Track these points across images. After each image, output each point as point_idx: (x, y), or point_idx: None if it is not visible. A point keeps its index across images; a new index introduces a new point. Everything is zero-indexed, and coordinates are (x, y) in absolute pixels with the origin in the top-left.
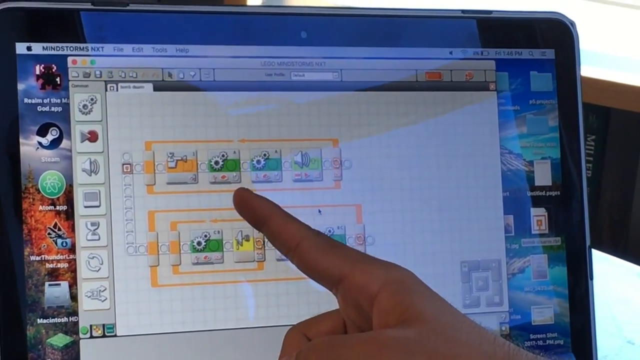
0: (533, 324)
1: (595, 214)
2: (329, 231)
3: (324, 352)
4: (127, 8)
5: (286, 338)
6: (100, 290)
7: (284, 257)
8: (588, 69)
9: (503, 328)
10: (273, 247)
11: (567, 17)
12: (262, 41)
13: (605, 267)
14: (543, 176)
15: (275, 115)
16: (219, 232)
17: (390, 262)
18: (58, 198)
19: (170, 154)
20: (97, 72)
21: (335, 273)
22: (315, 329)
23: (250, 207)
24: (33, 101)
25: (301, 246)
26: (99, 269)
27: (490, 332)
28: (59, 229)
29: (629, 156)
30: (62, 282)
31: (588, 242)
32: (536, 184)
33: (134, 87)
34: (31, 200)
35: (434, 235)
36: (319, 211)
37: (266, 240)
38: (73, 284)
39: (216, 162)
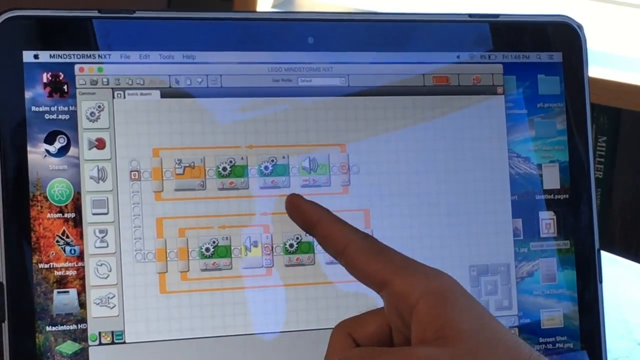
0: (542, 327)
1: (607, 215)
2: None
3: None
4: (134, 15)
5: (333, 337)
6: (108, 297)
7: (292, 263)
8: (599, 70)
9: (512, 332)
10: (281, 254)
11: (574, 20)
12: (269, 47)
13: (616, 269)
14: (552, 179)
15: (282, 120)
16: (227, 238)
17: (434, 268)
18: (66, 205)
19: (178, 160)
20: (105, 80)
21: (378, 279)
22: (361, 330)
23: (301, 211)
24: (40, 109)
25: (348, 250)
26: (108, 276)
27: (527, 349)
28: (67, 237)
29: None
30: (70, 290)
31: (597, 245)
32: (545, 187)
33: (141, 94)
34: (39, 208)
35: (442, 240)
36: None
37: (274, 246)
38: (82, 291)
39: (224, 169)
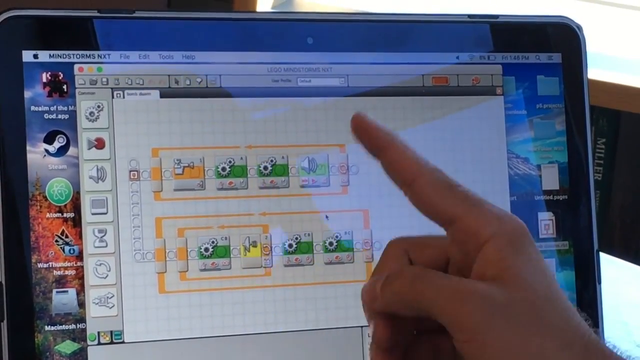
0: None
1: (606, 217)
2: (336, 236)
3: (409, 284)
4: (134, 15)
5: (388, 248)
6: (107, 297)
7: (290, 263)
8: (598, 72)
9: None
10: (280, 254)
11: (573, 21)
12: (269, 47)
13: (616, 271)
14: (550, 180)
15: (282, 121)
16: (226, 238)
17: (508, 212)
18: (65, 205)
19: (177, 160)
20: (104, 80)
21: (449, 214)
22: (420, 252)
23: (370, 133)
24: (40, 109)
25: (418, 182)
26: (107, 276)
27: (577, 317)
28: (67, 236)
29: (639, 159)
30: (69, 289)
31: (596, 246)
32: (544, 188)
33: (141, 94)
34: (38, 207)
35: None
36: (326, 217)
37: (273, 246)
38: (81, 291)
39: (223, 169)
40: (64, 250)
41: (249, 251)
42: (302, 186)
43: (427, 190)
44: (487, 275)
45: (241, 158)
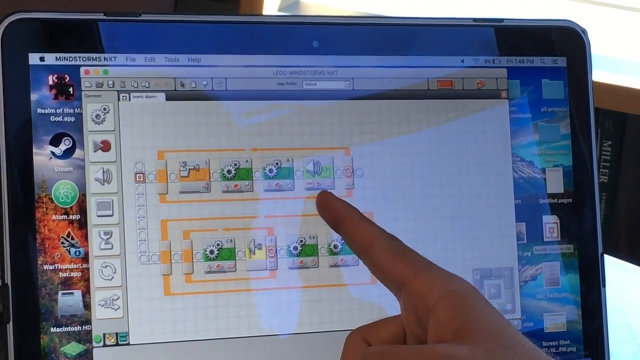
0: (546, 331)
1: (612, 220)
2: (341, 239)
3: None
4: (140, 18)
5: (347, 342)
6: (113, 299)
7: (296, 266)
8: (604, 74)
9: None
10: (285, 256)
11: (578, 25)
12: (274, 50)
13: (621, 273)
14: (555, 184)
15: (287, 124)
16: (231, 240)
17: (454, 274)
18: (71, 207)
19: (183, 163)
20: (110, 82)
21: (399, 278)
22: (376, 334)
23: (330, 208)
24: (46, 111)
25: (372, 248)
26: (112, 278)
27: (541, 354)
28: (72, 238)
29: None
30: (75, 291)
31: (601, 250)
32: (548, 191)
33: (147, 96)
34: (44, 209)
35: (445, 243)
36: None
37: (278, 248)
38: (86, 293)
39: (228, 171)
40: (69, 252)
41: (254, 254)
42: (307, 189)
43: (381, 255)
44: (446, 336)
45: (246, 161)
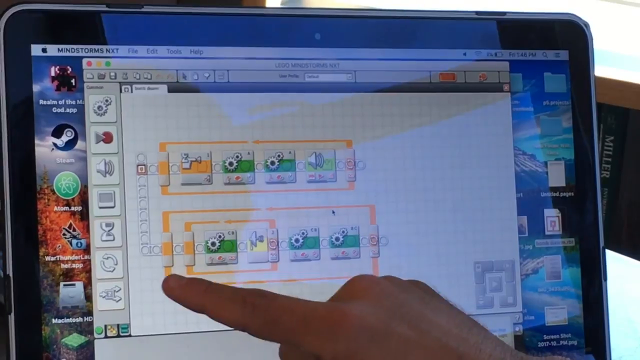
0: (547, 324)
1: (613, 215)
2: (343, 232)
3: None
4: (142, 10)
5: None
6: (114, 291)
7: (297, 258)
8: (607, 69)
9: (517, 329)
10: (287, 249)
11: (581, 19)
12: (276, 43)
13: (622, 268)
14: (557, 177)
15: (289, 116)
16: (233, 232)
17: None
18: (73, 199)
19: (185, 155)
20: (112, 74)
21: (292, 343)
22: None
23: (184, 298)
24: (48, 103)
25: (248, 330)
26: (114, 270)
27: None
28: (74, 230)
29: None
30: (76, 283)
31: (602, 243)
32: (550, 185)
33: (149, 88)
34: (46, 201)
35: (447, 236)
36: (333, 212)
37: (280, 241)
38: (88, 284)
39: (230, 163)
40: (71, 244)
41: (255, 246)
42: (309, 181)
43: (259, 334)
44: None
45: (248, 153)
